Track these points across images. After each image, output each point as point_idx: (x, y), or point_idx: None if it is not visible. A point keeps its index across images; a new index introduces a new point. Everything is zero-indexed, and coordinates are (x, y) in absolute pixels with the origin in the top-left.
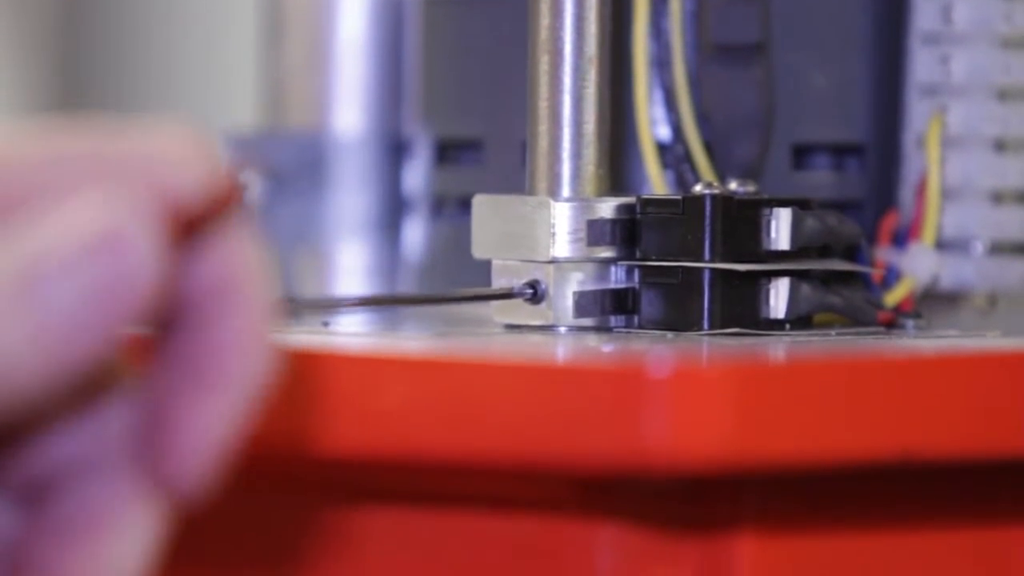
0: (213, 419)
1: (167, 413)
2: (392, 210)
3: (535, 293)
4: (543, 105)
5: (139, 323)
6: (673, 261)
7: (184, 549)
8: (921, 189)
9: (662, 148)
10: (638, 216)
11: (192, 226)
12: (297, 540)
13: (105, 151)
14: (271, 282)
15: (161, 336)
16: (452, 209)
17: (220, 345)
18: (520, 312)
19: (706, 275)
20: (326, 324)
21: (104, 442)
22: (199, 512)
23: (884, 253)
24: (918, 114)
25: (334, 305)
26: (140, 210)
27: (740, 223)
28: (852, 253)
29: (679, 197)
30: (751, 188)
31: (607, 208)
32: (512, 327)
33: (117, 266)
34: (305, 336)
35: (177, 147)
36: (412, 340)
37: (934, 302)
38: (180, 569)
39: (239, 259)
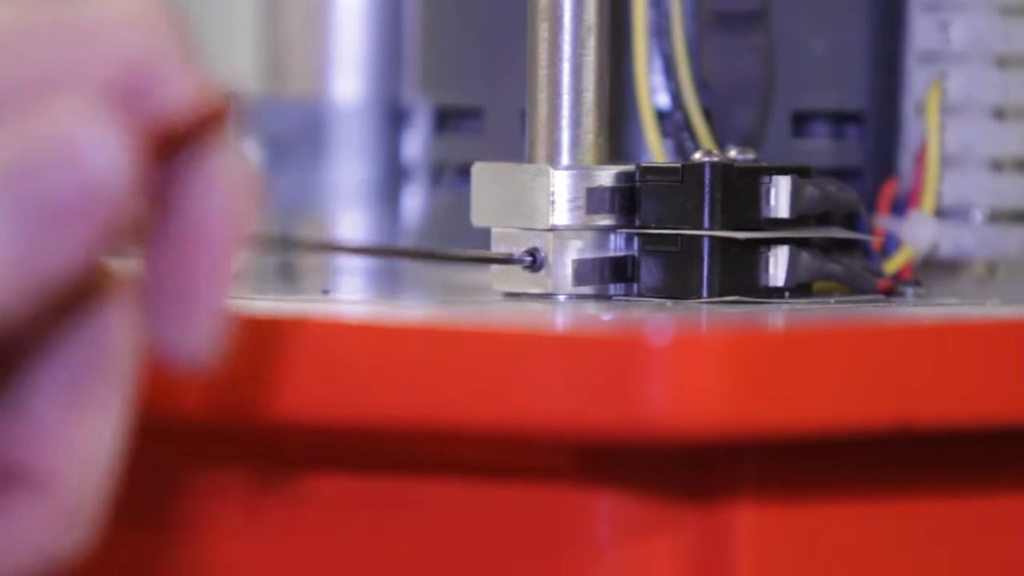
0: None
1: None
2: (391, 178)
3: (534, 261)
4: (542, 73)
5: (116, 236)
6: (672, 229)
7: (162, 513)
8: (920, 157)
9: (661, 116)
10: (637, 184)
11: (177, 141)
12: (290, 507)
13: (83, 45)
14: (253, 202)
15: (144, 249)
16: (451, 177)
17: (198, 263)
18: (519, 280)
19: (705, 243)
20: (326, 292)
21: (89, 357)
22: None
23: (883, 221)
24: (917, 81)
25: (332, 249)
26: (112, 125)
27: (739, 191)
28: (851, 221)
29: (678, 165)
30: (750, 156)
31: (606, 176)
32: (511, 295)
33: (80, 179)
34: (305, 304)
35: (166, 58)
36: (412, 308)
37: (933, 270)
38: (150, 535)
39: (224, 178)
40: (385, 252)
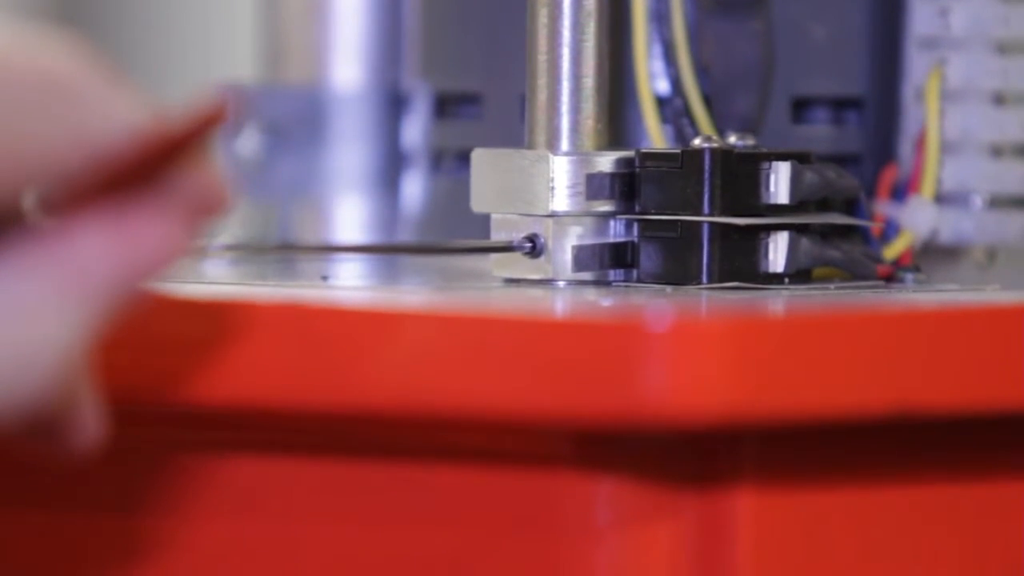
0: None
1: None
2: (391, 164)
3: (534, 247)
4: (542, 59)
5: None
6: (672, 215)
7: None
8: (920, 142)
9: (661, 102)
10: (637, 170)
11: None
12: (289, 493)
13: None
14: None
15: None
16: (451, 163)
17: None
18: (519, 266)
19: (705, 229)
20: (325, 278)
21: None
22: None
23: (883, 207)
24: (917, 67)
25: (333, 251)
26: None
27: (739, 177)
28: (851, 207)
29: (678, 151)
30: (750, 142)
31: (606, 162)
32: (511, 281)
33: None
34: (306, 290)
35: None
36: (411, 294)
37: (933, 256)
38: (141, 522)
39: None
40: (383, 249)
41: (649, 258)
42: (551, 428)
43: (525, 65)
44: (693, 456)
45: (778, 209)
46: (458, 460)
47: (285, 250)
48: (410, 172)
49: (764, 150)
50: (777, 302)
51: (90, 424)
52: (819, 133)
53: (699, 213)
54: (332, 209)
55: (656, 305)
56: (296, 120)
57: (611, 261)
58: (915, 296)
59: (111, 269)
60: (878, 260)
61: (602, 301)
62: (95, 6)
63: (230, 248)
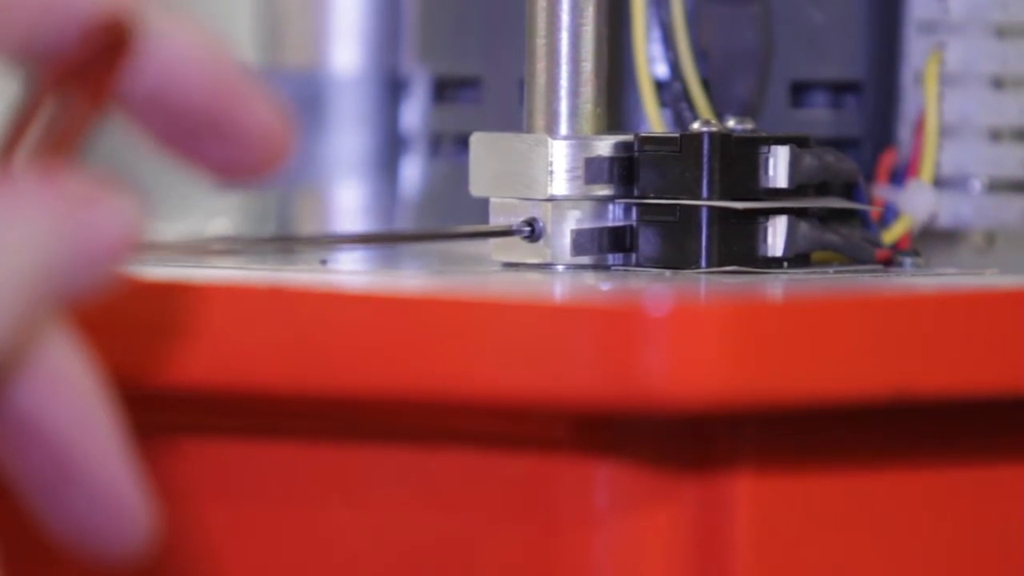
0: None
1: None
2: (389, 148)
3: (533, 231)
4: (541, 43)
5: None
6: (671, 199)
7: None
8: (919, 126)
9: (660, 86)
10: (636, 154)
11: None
12: (288, 479)
13: None
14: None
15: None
16: (450, 147)
17: None
18: (518, 250)
19: (704, 213)
20: (324, 262)
21: None
22: None
23: (882, 191)
24: (916, 51)
25: (332, 242)
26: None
27: (738, 161)
28: (850, 191)
29: (677, 135)
30: (749, 126)
31: (605, 146)
32: (510, 265)
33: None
34: (303, 274)
35: None
36: (409, 278)
37: (932, 240)
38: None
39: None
40: (383, 238)
41: (648, 242)
42: (550, 412)
43: (524, 49)
44: (692, 440)
45: (777, 193)
46: (457, 444)
47: (284, 242)
48: (409, 156)
49: (763, 134)
50: (776, 286)
51: (144, 509)
52: (818, 117)
53: (698, 197)
54: (330, 193)
55: (655, 289)
56: (294, 104)
57: (610, 245)
58: (914, 280)
59: (59, 242)
60: (877, 244)
61: (601, 285)
62: None
63: (226, 240)
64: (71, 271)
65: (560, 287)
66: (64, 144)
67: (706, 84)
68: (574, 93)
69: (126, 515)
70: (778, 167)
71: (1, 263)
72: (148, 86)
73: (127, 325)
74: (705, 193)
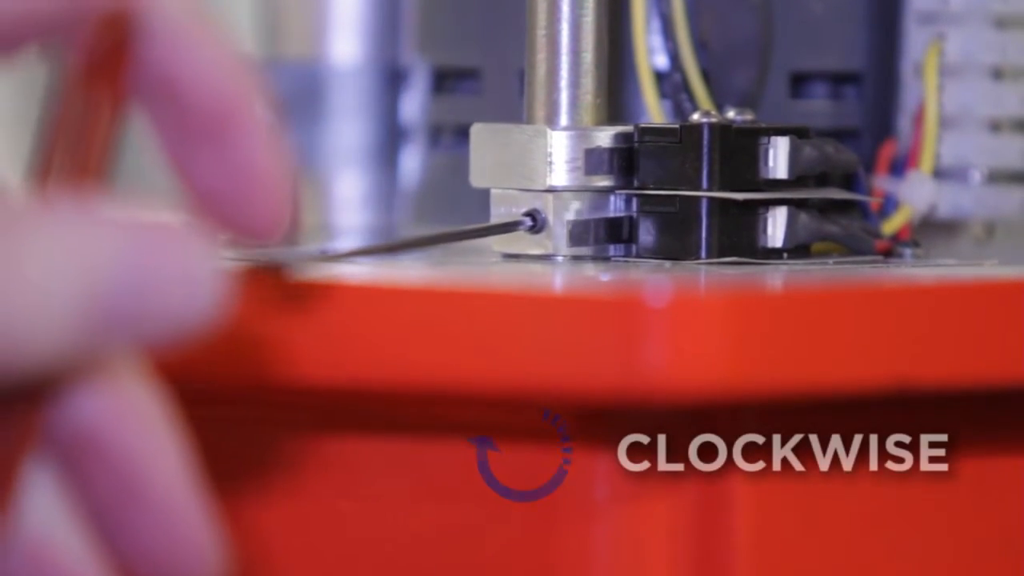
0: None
1: None
2: (389, 139)
3: (535, 223)
4: (541, 34)
5: None
6: (671, 190)
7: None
8: (919, 117)
9: (660, 77)
10: (636, 145)
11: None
12: (293, 472)
13: None
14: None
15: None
16: (449, 138)
17: None
18: (518, 241)
19: (704, 204)
20: (323, 253)
21: None
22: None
23: (881, 182)
24: (916, 42)
25: (335, 259)
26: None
27: (738, 152)
28: (849, 182)
29: (677, 126)
30: (749, 117)
31: (605, 137)
32: (510, 256)
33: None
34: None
35: None
36: (410, 270)
37: (931, 231)
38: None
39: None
40: (389, 248)
41: (648, 233)
42: (550, 403)
43: (524, 40)
44: (692, 431)
45: (777, 184)
46: (458, 435)
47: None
48: (408, 147)
49: (763, 125)
50: (776, 277)
51: (214, 540)
52: (818, 108)
53: (698, 188)
54: (330, 184)
55: (655, 280)
56: (294, 95)
57: (610, 236)
58: (913, 271)
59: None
60: (877, 235)
61: (601, 276)
62: None
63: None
64: (138, 306)
65: (560, 278)
66: (98, 157)
67: (706, 75)
68: (574, 84)
69: (196, 543)
70: (778, 158)
71: (52, 277)
72: (157, 68)
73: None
74: (705, 184)
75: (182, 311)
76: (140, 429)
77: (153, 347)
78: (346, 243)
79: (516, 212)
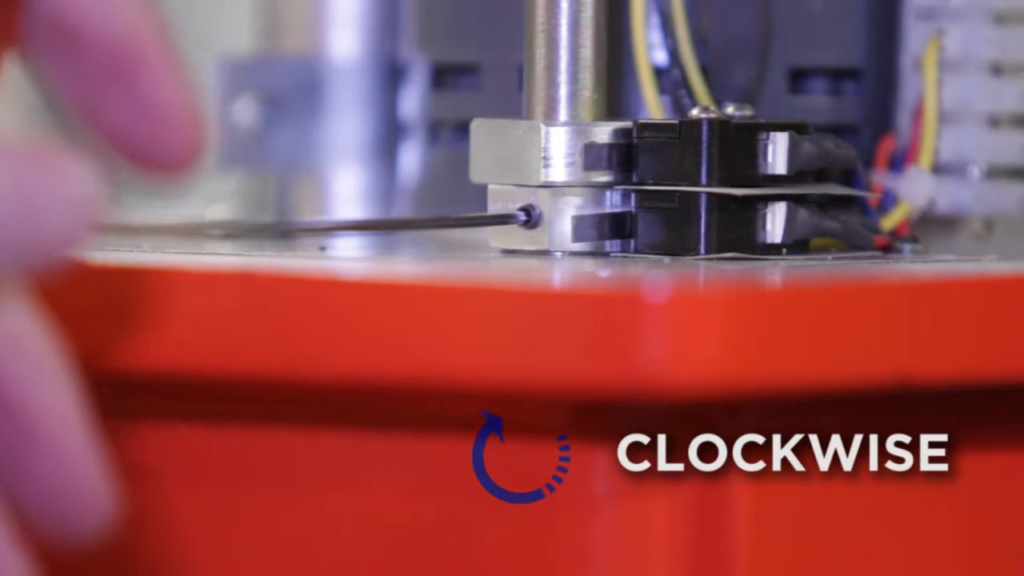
0: None
1: None
2: (388, 135)
3: (529, 218)
4: (540, 29)
5: None
6: (670, 185)
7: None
8: (918, 113)
9: (659, 72)
10: (634, 140)
11: None
12: (288, 465)
13: None
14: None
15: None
16: (448, 134)
17: None
18: (516, 237)
19: (703, 199)
20: (323, 249)
21: None
22: None
23: (881, 177)
24: (915, 37)
25: (329, 229)
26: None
27: (737, 147)
28: (849, 177)
29: (676, 121)
30: (748, 112)
31: (603, 132)
32: (508, 252)
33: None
34: (301, 260)
35: None
36: (408, 265)
37: (931, 226)
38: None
39: None
40: (381, 225)
41: (647, 229)
42: (548, 399)
43: (523, 36)
44: (691, 427)
45: (776, 180)
46: (456, 431)
47: (283, 230)
48: (407, 143)
49: (762, 120)
50: (775, 273)
51: (107, 487)
52: (817, 104)
53: (697, 184)
54: (329, 179)
55: (654, 276)
56: (293, 91)
57: (608, 232)
58: (913, 266)
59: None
60: (876, 230)
61: (600, 272)
62: None
63: (224, 226)
64: (20, 231)
65: (558, 274)
66: None
67: (705, 71)
68: (573, 79)
69: (88, 486)
70: (777, 154)
71: None
72: (52, 13)
73: (122, 312)
74: (704, 179)
75: (63, 235)
76: (31, 367)
77: (35, 273)
78: (344, 241)
79: (512, 208)
